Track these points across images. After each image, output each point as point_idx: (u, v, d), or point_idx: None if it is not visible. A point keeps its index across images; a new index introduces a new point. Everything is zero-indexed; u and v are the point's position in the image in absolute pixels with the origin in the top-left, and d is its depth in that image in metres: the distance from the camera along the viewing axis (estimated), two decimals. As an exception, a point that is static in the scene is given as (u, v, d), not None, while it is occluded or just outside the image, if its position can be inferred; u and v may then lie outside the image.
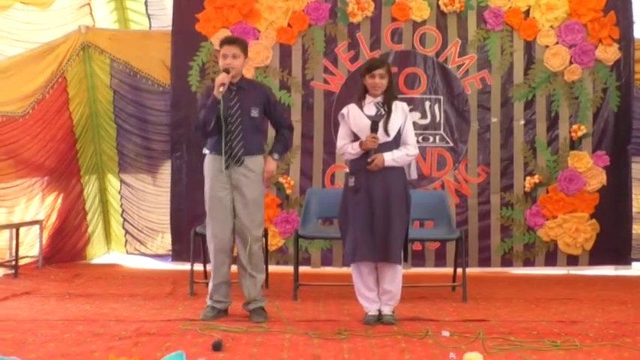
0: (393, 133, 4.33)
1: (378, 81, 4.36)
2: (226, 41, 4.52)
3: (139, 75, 7.14)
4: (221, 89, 4.31)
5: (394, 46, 6.93)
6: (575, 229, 6.78)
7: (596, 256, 6.84)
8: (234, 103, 4.40)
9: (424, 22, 6.91)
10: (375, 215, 4.31)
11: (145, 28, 7.48)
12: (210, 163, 4.50)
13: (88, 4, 7.24)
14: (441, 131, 6.93)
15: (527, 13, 6.90)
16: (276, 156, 4.60)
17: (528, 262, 6.87)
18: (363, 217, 4.32)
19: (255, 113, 4.46)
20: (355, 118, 4.40)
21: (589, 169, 6.83)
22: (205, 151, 4.56)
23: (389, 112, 4.35)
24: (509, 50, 6.91)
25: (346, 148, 4.43)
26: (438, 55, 6.92)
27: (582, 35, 6.85)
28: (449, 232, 5.64)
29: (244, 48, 4.52)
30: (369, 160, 4.28)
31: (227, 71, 4.37)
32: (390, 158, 4.30)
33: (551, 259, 6.85)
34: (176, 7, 6.99)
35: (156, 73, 7.11)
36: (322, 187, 6.83)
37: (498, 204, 6.88)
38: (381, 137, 4.29)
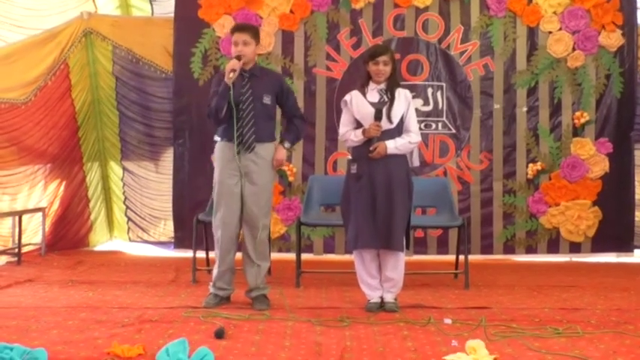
0: (395, 120, 4.31)
1: (382, 68, 4.33)
2: (237, 28, 4.50)
3: (142, 62, 7.10)
4: (231, 75, 4.29)
5: (396, 32, 6.88)
6: (577, 216, 6.76)
7: (599, 244, 6.82)
8: (246, 89, 4.39)
9: (427, 9, 6.86)
10: (377, 202, 4.30)
11: (148, 15, 7.43)
12: (221, 149, 4.49)
13: (90, -11, 7.21)
14: (444, 118, 6.89)
15: (530, -1, 6.86)
16: (287, 145, 4.57)
17: (530, 250, 6.85)
18: (365, 204, 4.31)
19: (267, 100, 4.45)
20: (358, 105, 4.37)
21: (592, 156, 6.80)
22: (216, 138, 4.55)
23: (392, 100, 4.33)
24: (512, 36, 6.86)
25: (349, 135, 4.41)
26: (440, 41, 6.88)
27: (585, 21, 6.79)
28: (451, 219, 5.63)
29: (255, 35, 4.49)
30: (371, 148, 4.26)
31: (239, 58, 4.35)
32: (392, 146, 4.29)
33: (553, 247, 6.84)
34: (178, -6, 6.96)
35: (158, 60, 7.07)
36: (324, 174, 6.81)
37: (501, 191, 6.86)
38: (384, 124, 4.27)
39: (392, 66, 4.38)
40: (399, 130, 4.34)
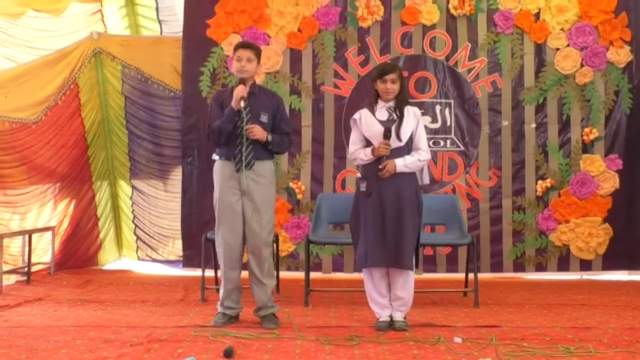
0: (405, 138, 4.31)
1: (390, 86, 4.35)
2: (241, 45, 4.56)
3: (150, 81, 7.15)
4: (242, 104, 4.33)
5: (404, 50, 6.91)
6: (587, 233, 6.72)
7: (610, 261, 6.77)
8: (244, 107, 4.40)
9: (434, 26, 6.89)
10: (386, 220, 4.29)
11: (156, 34, 7.49)
12: (220, 168, 4.52)
13: (100, 10, 7.27)
14: (452, 135, 6.89)
15: (537, 15, 6.86)
16: (270, 137, 4.46)
17: (540, 267, 6.80)
18: (374, 222, 4.31)
19: (264, 119, 4.47)
20: (367, 123, 4.39)
21: (602, 172, 6.77)
22: (215, 156, 4.57)
23: (401, 117, 4.34)
24: (520, 53, 6.87)
25: (358, 154, 4.41)
26: (448, 58, 6.90)
27: (593, 37, 6.80)
28: (460, 236, 5.61)
29: (258, 53, 4.54)
30: (380, 166, 4.26)
31: (243, 82, 4.39)
32: (401, 164, 4.29)
33: (563, 264, 6.79)
34: (187, 13, 7.01)
35: (167, 79, 7.12)
36: (333, 192, 6.80)
37: (510, 208, 6.83)
38: (393, 142, 4.28)
39: (400, 84, 4.39)
40: (408, 148, 4.35)
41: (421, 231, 4.51)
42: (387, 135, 4.26)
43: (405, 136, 4.33)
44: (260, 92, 4.59)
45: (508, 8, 6.85)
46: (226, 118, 4.38)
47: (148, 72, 7.14)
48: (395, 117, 4.36)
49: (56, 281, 6.37)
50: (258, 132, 4.40)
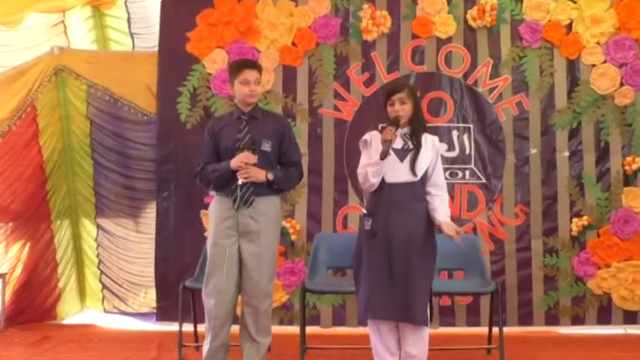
0: (420, 172, 4.32)
1: (399, 107, 4.35)
2: (246, 65, 4.62)
3: (120, 102, 7.16)
4: (244, 174, 4.37)
5: (415, 66, 6.94)
6: (632, 279, 6.67)
7: (659, 312, 6.74)
8: (243, 134, 4.42)
9: (450, 39, 6.93)
10: (394, 265, 4.26)
11: (128, 49, 7.54)
12: (217, 205, 4.54)
13: (63, 22, 7.33)
14: (472, 165, 6.89)
15: (569, 27, 6.91)
16: (270, 176, 4.48)
17: (577, 320, 6.75)
18: (380, 266, 4.28)
19: (266, 147, 4.50)
20: (379, 147, 4.35)
21: (647, 208, 6.77)
22: (212, 192, 4.57)
23: (418, 147, 4.32)
24: (550, 70, 6.90)
25: (367, 167, 4.32)
26: (466, 76, 6.93)
27: (634, 52, 6.83)
28: (482, 284, 5.60)
29: (261, 73, 4.63)
30: (457, 235, 4.27)
31: (254, 151, 4.39)
32: (444, 216, 4.35)
33: (604, 316, 6.74)
34: (163, 25, 7.06)
35: (140, 100, 7.13)
36: (333, 231, 6.78)
37: (541, 250, 6.79)
38: (407, 176, 4.29)
39: (412, 104, 4.39)
40: (423, 183, 4.35)
41: (435, 277, 4.48)
42: (395, 123, 4.28)
43: (420, 169, 4.32)
44: (263, 116, 4.60)
45: (535, 19, 6.89)
46: (220, 175, 4.44)
47: (118, 92, 7.14)
48: (411, 146, 4.34)
49: (6, 338, 6.30)
50: (254, 172, 4.39)
